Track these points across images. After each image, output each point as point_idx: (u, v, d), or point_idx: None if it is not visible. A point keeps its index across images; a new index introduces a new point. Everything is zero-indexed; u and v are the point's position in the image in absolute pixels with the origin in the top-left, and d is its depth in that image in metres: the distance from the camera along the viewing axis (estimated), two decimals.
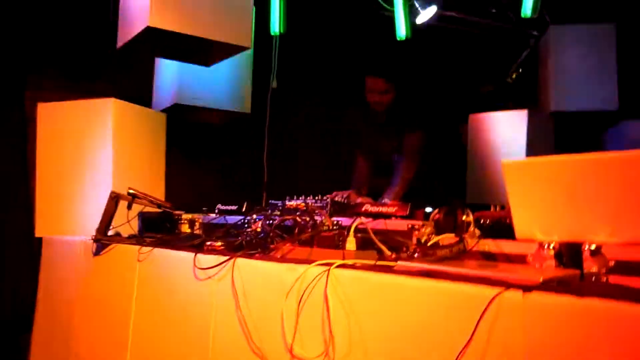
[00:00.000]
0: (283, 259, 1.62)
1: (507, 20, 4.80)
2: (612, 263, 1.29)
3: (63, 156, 3.01)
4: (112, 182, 2.85)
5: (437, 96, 3.06)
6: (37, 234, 2.99)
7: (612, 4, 4.43)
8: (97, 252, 2.31)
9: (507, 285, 1.13)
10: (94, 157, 2.98)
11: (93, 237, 2.30)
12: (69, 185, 2.98)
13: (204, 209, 2.56)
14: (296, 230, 1.76)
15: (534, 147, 4.23)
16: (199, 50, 2.82)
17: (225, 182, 3.98)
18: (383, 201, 2.51)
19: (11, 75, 3.48)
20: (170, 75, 3.37)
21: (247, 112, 3.42)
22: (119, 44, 2.76)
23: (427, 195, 2.98)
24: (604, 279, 1.27)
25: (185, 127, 3.62)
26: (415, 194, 2.89)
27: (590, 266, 1.30)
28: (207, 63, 3.04)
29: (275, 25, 3.54)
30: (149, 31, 2.48)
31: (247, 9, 2.74)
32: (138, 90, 3.53)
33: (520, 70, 5.08)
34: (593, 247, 1.31)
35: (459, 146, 4.08)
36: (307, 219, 1.86)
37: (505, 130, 4.39)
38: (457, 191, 3.26)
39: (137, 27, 2.55)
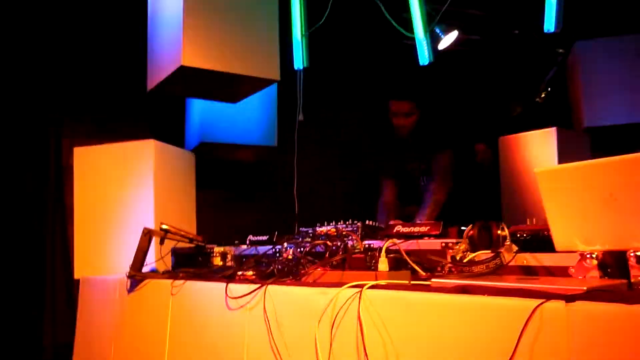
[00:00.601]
0: (315, 283, 1.59)
1: (532, 39, 4.77)
2: None
3: (101, 198, 3.09)
4: (154, 220, 2.91)
5: (464, 116, 3.01)
6: (76, 276, 3.04)
7: (638, 14, 4.36)
8: (131, 289, 2.33)
9: (549, 296, 1.08)
10: (134, 198, 3.05)
11: (127, 274, 2.32)
12: (106, 226, 3.04)
13: (235, 241, 2.56)
14: (327, 255, 1.73)
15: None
16: (228, 87, 2.88)
17: (258, 217, 3.99)
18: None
19: (46, 122, 3.61)
20: (197, 115, 3.45)
21: (274, 145, 3.46)
22: (150, 85, 2.84)
23: (460, 218, 2.91)
24: None
25: (216, 164, 3.67)
26: (448, 217, 2.83)
27: (638, 274, 1.23)
28: (234, 100, 3.10)
29: (299, 60, 3.59)
30: (181, 70, 2.54)
31: (274, 42, 2.80)
32: (170, 131, 3.61)
33: (549, 89, 5.00)
34: (639, 253, 1.23)
35: (482, 166, 4.01)
36: (339, 243, 1.84)
37: (536, 150, 4.32)
38: (492, 213, 3.17)
39: (169, 67, 2.61)
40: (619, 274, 1.27)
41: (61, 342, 3.30)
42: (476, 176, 3.05)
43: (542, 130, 4.28)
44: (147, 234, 2.36)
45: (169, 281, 2.12)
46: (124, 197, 3.07)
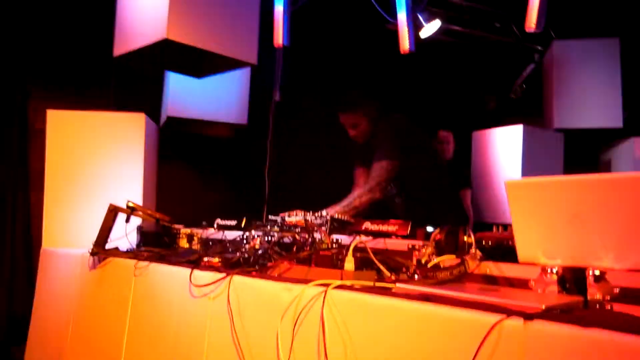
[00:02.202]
0: (280, 278, 1.59)
1: (512, 35, 4.79)
2: (616, 290, 1.25)
3: (75, 166, 2.98)
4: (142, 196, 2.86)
5: (426, 116, 2.98)
6: (44, 245, 2.97)
7: (616, 18, 4.41)
8: (93, 266, 2.29)
9: (509, 312, 1.10)
10: (115, 171, 2.98)
11: (90, 251, 2.27)
12: (80, 197, 2.95)
13: (203, 223, 2.54)
14: (294, 248, 1.73)
15: (532, 163, 4.21)
16: (198, 63, 2.82)
17: (228, 195, 3.96)
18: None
19: (12, 85, 3.47)
20: (167, 89, 3.38)
21: (244, 123, 3.41)
22: (118, 52, 2.74)
23: (430, 210, 2.91)
24: (608, 306, 1.23)
25: (189, 140, 3.61)
26: (419, 211, 2.83)
27: (594, 293, 1.26)
28: (199, 75, 3.03)
29: (279, 38, 3.53)
30: (163, 43, 2.47)
31: (254, 26, 2.75)
32: (140, 101, 3.52)
33: (524, 85, 5.07)
34: (597, 272, 1.27)
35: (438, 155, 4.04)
36: (306, 236, 1.84)
37: (503, 147, 4.38)
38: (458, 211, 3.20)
39: (147, 38, 2.54)
40: (577, 291, 1.30)
41: (18, 312, 3.24)
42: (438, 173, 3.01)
43: (509, 127, 4.34)
44: (113, 211, 2.31)
45: (133, 261, 2.09)
46: (104, 169, 2.98)
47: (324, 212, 2.07)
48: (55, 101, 3.46)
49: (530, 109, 4.85)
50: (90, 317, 2.23)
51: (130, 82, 3.63)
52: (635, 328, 0.99)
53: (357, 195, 2.69)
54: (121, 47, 2.72)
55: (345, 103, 2.96)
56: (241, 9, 2.67)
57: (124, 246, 2.40)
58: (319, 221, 1.98)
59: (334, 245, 1.76)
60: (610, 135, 4.63)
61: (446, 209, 2.88)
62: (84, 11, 3.59)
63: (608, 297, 1.25)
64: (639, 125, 4.66)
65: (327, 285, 1.41)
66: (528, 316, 1.07)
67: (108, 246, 2.36)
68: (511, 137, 4.32)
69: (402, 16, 3.78)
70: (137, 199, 2.90)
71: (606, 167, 4.84)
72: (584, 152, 4.84)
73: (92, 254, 2.27)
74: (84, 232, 2.79)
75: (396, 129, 2.85)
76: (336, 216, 2.01)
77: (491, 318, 1.09)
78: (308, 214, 2.09)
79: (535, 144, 4.33)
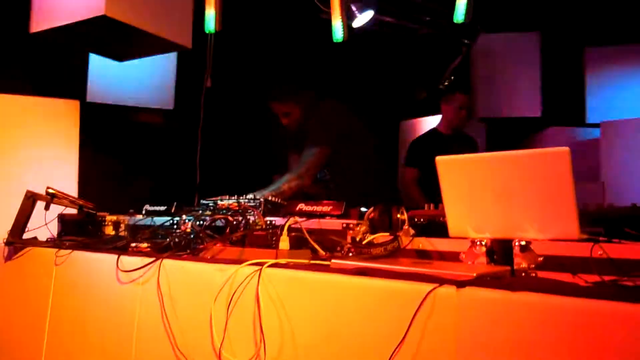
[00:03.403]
0: (213, 260, 1.54)
1: (441, 28, 4.93)
2: (541, 259, 1.31)
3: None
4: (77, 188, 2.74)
5: (354, 110, 2.99)
6: None
7: (538, 13, 4.64)
8: (9, 257, 2.13)
9: (441, 281, 1.12)
10: (39, 157, 2.82)
11: (5, 240, 2.12)
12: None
13: (130, 210, 2.43)
14: (227, 230, 1.68)
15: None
16: (127, 45, 2.69)
17: (157, 183, 3.82)
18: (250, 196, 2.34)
19: None
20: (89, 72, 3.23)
21: (170, 108, 3.32)
22: (36, 28, 2.56)
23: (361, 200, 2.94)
24: (534, 274, 1.29)
25: (114, 126, 3.44)
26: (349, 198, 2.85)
27: (520, 262, 1.31)
28: (121, 58, 2.91)
29: (211, 23, 3.43)
30: (100, 19, 2.32)
31: (188, 9, 2.66)
32: (60, 84, 3.31)
33: (453, 77, 5.23)
34: (523, 243, 1.32)
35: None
36: (240, 218, 1.80)
37: None
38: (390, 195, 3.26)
39: (78, 14, 2.38)
40: (504, 261, 1.35)
41: None
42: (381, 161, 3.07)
43: (431, 117, 4.49)
44: (31, 198, 2.16)
45: (53, 250, 1.96)
46: (33, 157, 2.80)
47: (253, 196, 2.04)
48: None
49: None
50: (7, 310, 2.08)
51: (50, 62, 3.41)
52: (558, 290, 1.03)
53: (286, 180, 2.66)
54: (41, 23, 2.54)
55: (277, 93, 2.94)
56: None
57: (44, 236, 2.25)
58: (252, 204, 1.95)
59: (268, 227, 1.74)
60: (529, 124, 4.87)
61: (379, 193, 2.91)
62: None
63: (533, 266, 1.30)
64: (557, 115, 4.94)
65: (262, 264, 1.38)
66: (460, 284, 1.10)
67: (25, 236, 2.20)
68: (433, 126, 4.48)
69: (335, 5, 3.79)
70: (73, 189, 2.79)
71: None
72: (507, 142, 5.06)
73: (7, 243, 2.11)
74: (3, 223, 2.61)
75: (328, 115, 2.86)
76: (270, 198, 1.99)
77: (425, 287, 1.11)
78: (241, 197, 2.05)
79: None
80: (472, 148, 3.60)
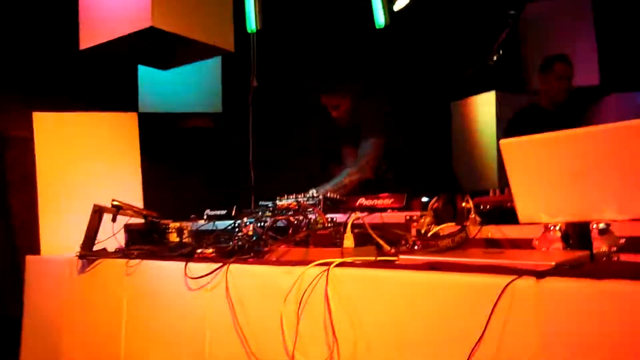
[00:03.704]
0: (279, 262, 1.54)
1: (486, 1, 4.76)
2: (622, 241, 1.23)
3: (64, 170, 2.88)
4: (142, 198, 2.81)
5: (403, 96, 2.93)
6: (43, 253, 2.88)
7: None
8: (82, 270, 2.22)
9: (519, 272, 1.07)
10: (108, 173, 2.92)
11: (77, 254, 2.20)
12: (73, 201, 2.84)
13: (192, 216, 2.48)
14: (290, 231, 1.68)
15: (508, 129, 4.23)
16: (172, 54, 2.73)
17: (212, 186, 3.89)
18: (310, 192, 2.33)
19: None
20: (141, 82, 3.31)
21: (219, 111, 3.35)
22: (85, 44, 2.63)
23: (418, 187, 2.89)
24: (615, 258, 1.22)
25: (166, 134, 3.52)
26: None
27: (600, 246, 1.25)
28: (166, 67, 2.95)
29: (252, 22, 3.44)
30: (147, 31, 2.37)
31: (228, 11, 2.68)
32: (111, 97, 3.42)
33: (501, 51, 5.04)
34: (602, 225, 1.25)
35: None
36: (301, 217, 1.80)
37: (479, 114, 4.40)
38: (448, 181, 3.19)
39: (126, 27, 2.43)
40: (582, 245, 1.29)
41: (9, 320, 3.16)
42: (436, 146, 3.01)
43: (483, 94, 4.34)
44: (98, 211, 2.24)
45: (124, 261, 2.03)
46: (97, 171, 2.90)
47: (314, 192, 2.04)
48: (25, 103, 3.34)
49: (511, 74, 4.83)
50: (84, 322, 2.17)
51: (100, 76, 3.52)
52: None
53: (347, 174, 2.66)
54: (90, 39, 2.61)
55: (325, 85, 2.91)
56: None
57: (112, 247, 2.33)
58: (311, 202, 1.94)
59: (330, 225, 1.73)
60: (588, 93, 4.64)
61: (437, 179, 2.86)
62: (39, 8, 3.45)
63: (614, 249, 1.23)
64: (616, 81, 4.68)
65: (328, 264, 1.37)
66: (540, 274, 1.05)
67: (95, 248, 2.29)
68: (486, 104, 4.33)
69: None
70: (138, 200, 2.89)
71: (587, 125, 4.86)
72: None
73: (80, 257, 2.19)
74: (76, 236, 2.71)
75: (381, 106, 2.83)
76: (328, 195, 1.97)
77: (502, 280, 1.07)
78: (299, 195, 2.05)
79: (511, 108, 4.35)
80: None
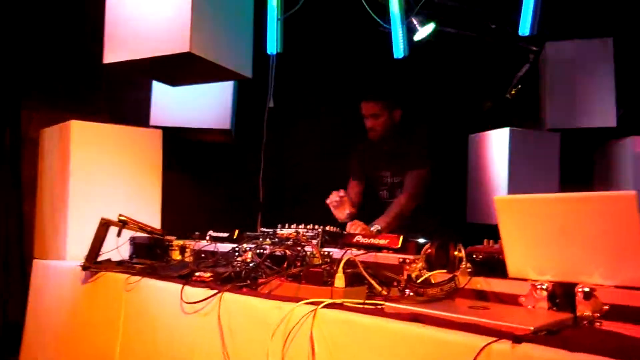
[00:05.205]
0: (270, 296, 1.58)
1: (506, 35, 4.78)
2: (606, 307, 1.24)
3: (93, 179, 2.91)
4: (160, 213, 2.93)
5: (441, 122, 2.98)
6: (36, 255, 2.94)
7: (610, 18, 4.40)
8: (85, 280, 2.28)
9: (497, 334, 1.10)
10: (131, 186, 2.99)
11: (81, 265, 2.26)
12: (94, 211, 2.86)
13: (196, 233, 2.53)
14: (285, 265, 1.72)
15: (522, 165, 4.23)
16: (187, 74, 2.77)
17: (223, 201, 3.93)
18: (374, 227, 2.44)
19: (3, 94, 3.44)
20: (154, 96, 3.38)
21: (228, 128, 3.40)
22: (110, 59, 2.66)
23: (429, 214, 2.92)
24: (598, 324, 1.23)
25: (180, 148, 3.58)
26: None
27: (584, 310, 1.26)
28: (173, 83, 2.99)
29: (273, 45, 3.51)
30: (184, 55, 2.38)
31: (249, 35, 2.72)
32: (133, 110, 3.50)
33: (520, 86, 5.05)
34: (587, 289, 1.26)
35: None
36: (298, 248, 1.84)
37: (493, 149, 4.41)
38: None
39: (160, 49, 2.43)
40: (567, 306, 1.30)
41: (12, 320, 3.23)
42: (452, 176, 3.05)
43: (498, 130, 4.35)
44: (105, 225, 2.30)
45: (124, 276, 2.08)
46: (120, 184, 2.95)
47: (378, 227, 2.38)
48: (47, 110, 3.44)
49: (528, 110, 4.84)
50: (83, 331, 2.22)
51: (119, 89, 3.61)
52: (623, 350, 0.98)
53: (403, 204, 2.76)
54: (116, 54, 2.63)
55: (372, 90, 2.94)
56: (236, 18, 2.64)
57: (118, 257, 2.39)
58: (310, 234, 1.98)
59: (325, 260, 1.76)
60: (604, 134, 4.62)
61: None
62: (67, 18, 3.55)
63: (597, 315, 1.24)
64: (634, 124, 4.66)
65: (317, 303, 1.40)
66: (516, 339, 1.07)
67: (101, 258, 2.35)
68: (500, 139, 4.33)
69: (395, 20, 3.77)
70: (156, 212, 2.99)
71: (602, 167, 4.84)
72: (581, 152, 4.83)
73: (84, 268, 2.25)
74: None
75: (429, 137, 2.95)
76: (327, 228, 2.01)
77: (480, 341, 1.09)
78: (300, 226, 2.09)
79: (525, 145, 4.34)
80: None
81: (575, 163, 4.73)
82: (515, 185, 4.21)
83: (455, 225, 3.07)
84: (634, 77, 4.44)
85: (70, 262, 2.49)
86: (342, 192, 2.64)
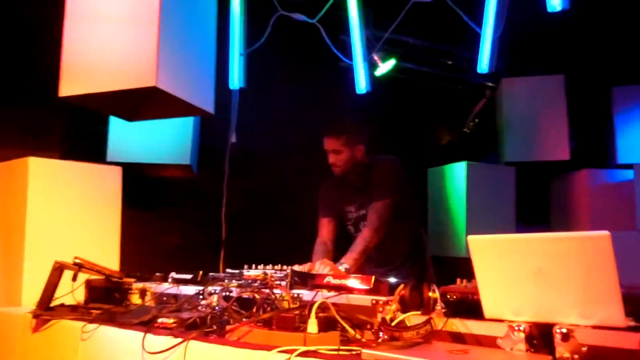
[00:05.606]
0: (240, 343, 1.50)
1: (464, 71, 4.93)
2: (584, 349, 1.23)
3: (53, 218, 2.78)
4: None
5: (401, 156, 2.97)
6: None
7: (562, 56, 4.61)
8: (37, 328, 2.12)
9: None
10: (89, 224, 2.87)
11: (32, 312, 2.11)
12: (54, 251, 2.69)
13: (157, 274, 2.41)
14: (254, 309, 1.65)
15: (479, 198, 4.32)
16: (145, 109, 2.69)
17: (185, 239, 3.81)
18: (342, 267, 2.39)
19: None
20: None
21: (187, 163, 3.33)
22: (66, 92, 2.55)
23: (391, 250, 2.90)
24: None
25: (139, 184, 3.47)
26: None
27: (563, 352, 1.24)
28: (131, 118, 2.91)
29: (235, 80, 3.49)
30: (148, 90, 2.31)
31: (210, 71, 2.68)
32: (89, 146, 3.38)
33: (477, 120, 5.20)
34: (564, 330, 1.25)
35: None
36: (267, 290, 1.77)
37: (451, 183, 4.51)
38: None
39: (125, 83, 2.34)
40: (545, 347, 1.28)
41: None
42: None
43: (454, 164, 4.46)
44: (59, 268, 2.17)
45: (80, 324, 1.95)
46: (77, 223, 2.82)
47: (345, 266, 2.32)
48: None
49: (486, 144, 4.97)
50: None
51: (75, 124, 3.49)
52: None
53: (367, 238, 2.66)
54: (73, 87, 2.53)
55: (332, 126, 2.90)
56: (199, 54, 2.60)
57: (72, 300, 2.25)
58: (279, 274, 1.92)
59: (295, 302, 1.70)
60: (559, 167, 4.78)
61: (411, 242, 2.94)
62: (21, 49, 3.43)
63: (577, 357, 1.23)
64: (586, 157, 4.84)
65: (290, 352, 1.34)
66: None
67: (54, 303, 2.20)
68: (457, 173, 4.44)
69: (357, 56, 3.83)
70: (115, 255, 2.87)
71: (558, 199, 4.99)
72: (536, 184, 4.97)
73: (35, 316, 2.10)
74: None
75: (395, 169, 2.89)
76: (295, 267, 1.96)
77: None
78: (268, 267, 2.02)
79: (481, 179, 4.46)
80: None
81: (531, 195, 4.86)
82: (473, 216, 4.29)
83: (419, 259, 3.05)
84: (586, 111, 4.64)
85: (24, 309, 2.32)
86: (327, 262, 2.47)
